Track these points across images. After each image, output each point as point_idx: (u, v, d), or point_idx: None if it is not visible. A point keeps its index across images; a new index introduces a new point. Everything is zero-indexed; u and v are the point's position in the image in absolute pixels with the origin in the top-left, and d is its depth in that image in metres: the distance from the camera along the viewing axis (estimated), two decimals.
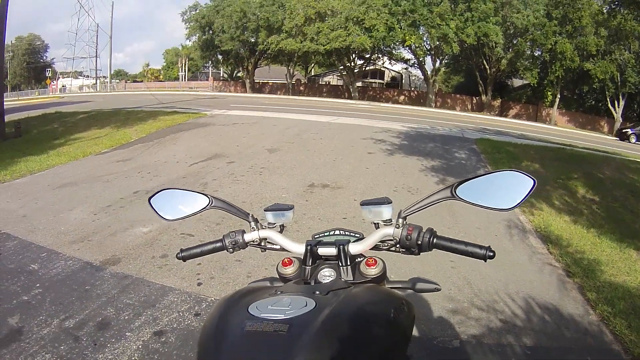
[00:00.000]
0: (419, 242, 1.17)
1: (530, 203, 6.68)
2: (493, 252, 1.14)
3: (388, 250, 1.26)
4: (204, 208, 1.42)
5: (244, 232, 1.34)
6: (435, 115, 27.76)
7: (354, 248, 1.22)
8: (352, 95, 44.38)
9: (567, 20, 34.64)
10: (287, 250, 1.30)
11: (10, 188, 6.61)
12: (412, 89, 55.83)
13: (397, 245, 1.21)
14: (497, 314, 3.41)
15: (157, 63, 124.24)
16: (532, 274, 4.29)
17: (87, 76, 63.22)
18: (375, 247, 1.25)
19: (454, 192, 1.19)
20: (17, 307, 3.20)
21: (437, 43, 37.69)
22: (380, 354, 0.88)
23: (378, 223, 1.27)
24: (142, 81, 67.81)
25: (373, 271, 1.17)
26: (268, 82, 55.61)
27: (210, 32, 45.48)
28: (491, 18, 35.01)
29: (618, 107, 38.04)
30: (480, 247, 1.15)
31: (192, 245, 1.41)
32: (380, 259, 1.20)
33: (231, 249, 1.33)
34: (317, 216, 5.54)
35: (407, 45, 38.63)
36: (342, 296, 0.97)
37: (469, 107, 45.66)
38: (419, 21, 36.50)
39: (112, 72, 60.50)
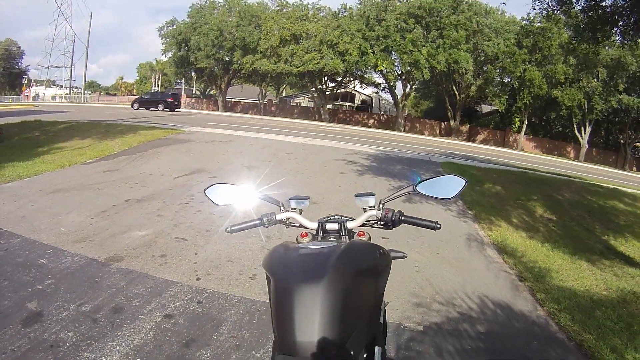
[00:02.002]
0: (393, 219, 1.79)
1: (489, 220, 7.37)
2: (440, 225, 1.80)
3: (371, 226, 1.87)
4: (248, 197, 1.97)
5: (274, 213, 1.89)
6: (403, 139, 28.60)
7: (350, 224, 1.80)
8: (323, 117, 45.00)
9: (536, 48, 35.70)
10: (304, 227, 1.84)
11: (3, 191, 6.78)
12: (382, 112, 57.10)
13: (379, 222, 1.84)
14: (455, 308, 3.95)
15: (130, 76, 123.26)
16: (487, 278, 4.88)
17: (61, 86, 62.37)
18: (364, 225, 1.84)
19: (415, 188, 1.85)
20: (33, 294, 3.51)
21: (409, 68, 38.57)
22: (374, 267, 1.47)
23: (365, 208, 1.85)
24: (115, 94, 67.27)
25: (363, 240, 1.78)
26: (240, 102, 55.94)
27: (186, 48, 45.55)
28: (462, 45, 36.05)
29: (584, 134, 39.50)
30: (432, 221, 1.81)
31: (236, 222, 1.92)
32: (367, 232, 1.81)
33: (267, 225, 1.87)
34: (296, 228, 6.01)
35: (378, 70, 39.48)
36: (350, 240, 1.67)
37: (438, 131, 46.70)
38: (392, 47, 37.44)
39: (85, 83, 59.85)
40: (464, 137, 44.78)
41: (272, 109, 52.36)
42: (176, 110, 35.34)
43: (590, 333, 3.68)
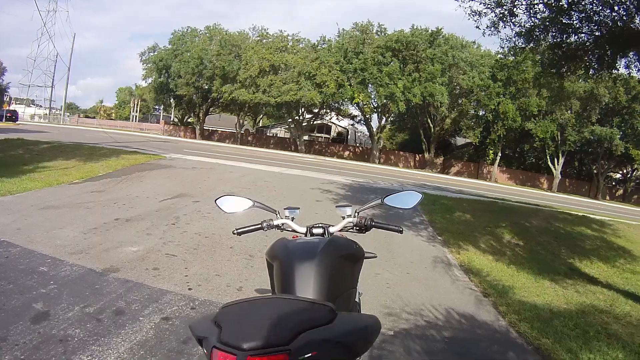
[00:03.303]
0: (366, 224, 2.28)
1: (457, 245, 7.92)
2: (402, 229, 2.34)
3: (348, 230, 2.36)
4: (251, 207, 2.42)
5: (272, 219, 2.37)
6: (378, 170, 29.27)
7: (332, 229, 2.26)
8: (299, 148, 45.24)
9: (511, 82, 36.52)
10: (295, 231, 2.31)
11: None
12: (358, 144, 57.65)
13: (355, 227, 2.32)
14: (423, 317, 4.40)
15: (109, 100, 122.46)
16: (453, 294, 5.37)
17: (40, 106, 61.84)
18: (343, 229, 2.33)
19: (382, 201, 2.31)
20: (38, 296, 3.79)
21: (385, 101, 39.21)
22: (351, 255, 1.99)
23: (344, 216, 2.34)
24: (94, 117, 66.89)
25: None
26: (217, 130, 56.12)
27: (167, 75, 45.57)
28: (438, 79, 36.78)
29: (558, 164, 40.50)
30: (397, 226, 2.33)
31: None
32: (345, 235, 2.29)
33: (266, 228, 2.35)
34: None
35: (355, 103, 39.96)
36: (333, 235, 2.14)
37: (412, 164, 47.31)
38: (368, 79, 38.00)
39: (65, 104, 59.37)
40: (438, 169, 45.43)
41: (249, 138, 52.62)
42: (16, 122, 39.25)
43: (547, 338, 4.14)
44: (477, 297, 5.42)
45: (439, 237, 8.60)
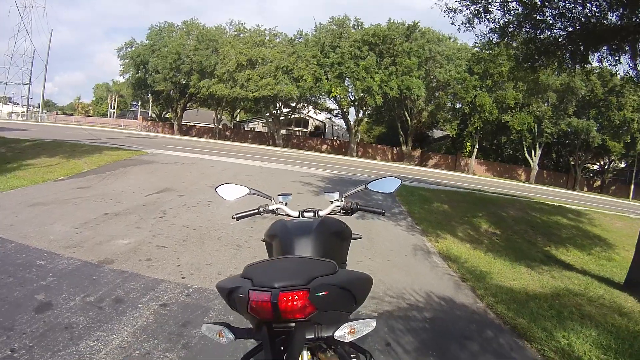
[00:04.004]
0: (352, 207, 2.53)
1: (436, 234, 8.26)
2: (384, 211, 2.63)
3: (335, 214, 2.58)
4: (247, 194, 2.63)
5: (267, 205, 2.56)
6: (356, 163, 29.52)
7: (321, 212, 2.48)
8: (277, 142, 45.11)
9: (487, 74, 36.73)
10: (288, 215, 2.51)
11: None
12: (335, 138, 57.55)
13: (341, 210, 2.56)
14: (405, 300, 4.69)
15: (86, 96, 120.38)
16: (432, 279, 5.69)
17: (17, 103, 60.57)
18: (331, 212, 2.55)
19: (366, 186, 2.59)
20: (39, 288, 3.95)
21: (362, 95, 39.18)
22: (341, 232, 2.26)
23: (332, 201, 2.57)
24: (72, 114, 65.70)
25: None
26: (195, 125, 55.60)
27: (144, 70, 44.93)
28: (415, 72, 36.79)
29: (535, 156, 40.93)
30: (379, 209, 2.61)
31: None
32: (335, 217, 2.53)
33: (262, 213, 2.54)
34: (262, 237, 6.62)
35: (332, 96, 39.89)
36: (324, 216, 2.38)
37: (390, 156, 47.40)
38: (345, 73, 37.96)
39: (42, 102, 58.21)
40: (416, 162, 45.58)
41: (227, 133, 52.29)
42: None
43: (523, 318, 4.43)
44: (455, 281, 5.73)
45: (418, 227, 8.91)
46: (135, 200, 8.35)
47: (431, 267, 6.32)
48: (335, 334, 1.50)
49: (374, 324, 1.54)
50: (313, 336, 1.51)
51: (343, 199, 2.55)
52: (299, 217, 2.45)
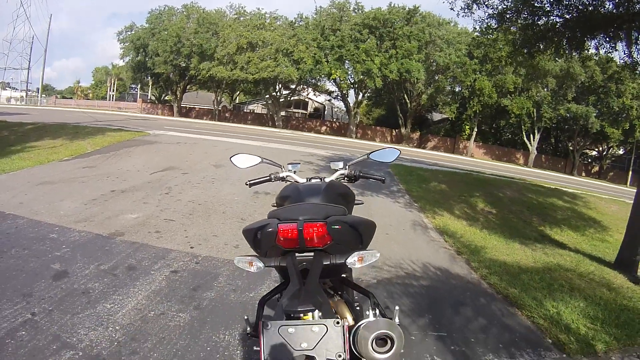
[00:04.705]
0: (355, 174, 2.63)
1: (433, 211, 8.39)
2: (385, 178, 2.74)
3: (340, 180, 2.67)
4: (259, 162, 2.75)
5: (278, 172, 2.69)
6: (355, 144, 29.53)
7: (327, 179, 2.56)
8: (277, 124, 44.94)
9: (487, 59, 35.38)
10: (297, 182, 2.60)
11: None
12: (334, 120, 57.17)
13: (345, 178, 2.66)
14: (403, 270, 4.85)
15: (85, 81, 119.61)
16: (429, 252, 5.84)
17: (16, 88, 60.30)
18: (336, 179, 2.64)
19: (368, 156, 2.67)
20: (54, 259, 4.07)
21: (361, 77, 38.82)
22: (345, 194, 2.36)
23: (337, 169, 2.67)
24: (72, 98, 65.38)
25: None
26: (195, 107, 55.33)
27: (144, 54, 44.64)
28: (414, 55, 36.47)
29: (533, 141, 40.56)
30: (380, 176, 2.71)
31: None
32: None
33: (274, 180, 2.67)
34: (265, 213, 6.75)
35: (332, 79, 39.61)
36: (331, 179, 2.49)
37: (389, 138, 47.22)
38: (345, 56, 37.61)
39: (42, 86, 57.92)
40: (415, 144, 45.34)
41: (227, 115, 52.05)
42: None
43: (515, 288, 4.59)
44: (451, 254, 5.88)
45: (416, 204, 9.05)
46: (141, 178, 8.46)
47: (428, 241, 6.47)
48: (347, 260, 1.74)
49: (378, 254, 1.75)
50: (329, 262, 1.75)
51: (347, 167, 2.66)
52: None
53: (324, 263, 1.75)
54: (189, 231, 5.37)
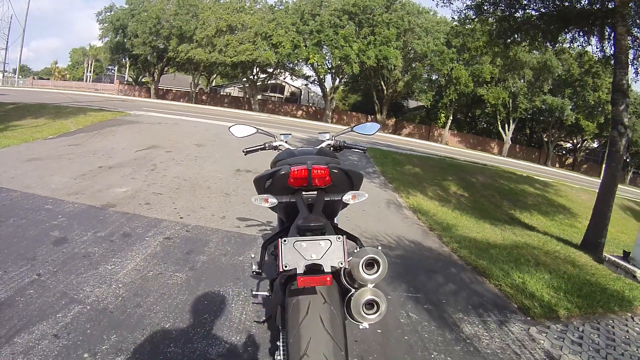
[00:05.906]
0: (340, 145, 2.90)
1: (407, 192, 8.77)
2: (366, 148, 3.06)
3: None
4: (254, 133, 3.00)
5: (272, 142, 2.91)
6: (332, 129, 29.64)
7: (316, 147, 2.82)
8: (253, 107, 44.65)
9: (465, 48, 34.49)
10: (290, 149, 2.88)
11: None
12: (311, 104, 56.92)
13: (331, 148, 2.90)
14: (379, 241, 5.22)
15: (62, 62, 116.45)
16: (403, 227, 6.21)
17: None
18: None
19: (352, 128, 2.97)
20: (52, 227, 4.24)
21: (339, 62, 38.76)
22: (332, 161, 2.55)
23: (324, 140, 2.92)
24: (49, 79, 63.78)
25: None
26: (172, 90, 54.58)
27: (123, 35, 43.70)
28: (392, 43, 36.47)
29: (508, 131, 40.87)
30: (362, 147, 2.99)
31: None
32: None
33: (268, 148, 2.89)
34: (247, 188, 6.97)
35: (310, 63, 39.38)
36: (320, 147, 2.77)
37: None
38: (324, 41, 37.31)
39: (19, 66, 56.09)
40: (390, 131, 45.28)
41: (204, 97, 51.38)
42: None
43: (484, 260, 4.96)
44: (424, 230, 6.27)
45: (390, 185, 9.41)
46: (126, 155, 8.57)
47: (402, 217, 6.84)
48: (343, 197, 2.15)
49: (367, 195, 2.14)
50: (328, 199, 2.17)
51: (333, 138, 2.92)
52: None
53: (325, 199, 2.14)
54: (177, 203, 5.59)
